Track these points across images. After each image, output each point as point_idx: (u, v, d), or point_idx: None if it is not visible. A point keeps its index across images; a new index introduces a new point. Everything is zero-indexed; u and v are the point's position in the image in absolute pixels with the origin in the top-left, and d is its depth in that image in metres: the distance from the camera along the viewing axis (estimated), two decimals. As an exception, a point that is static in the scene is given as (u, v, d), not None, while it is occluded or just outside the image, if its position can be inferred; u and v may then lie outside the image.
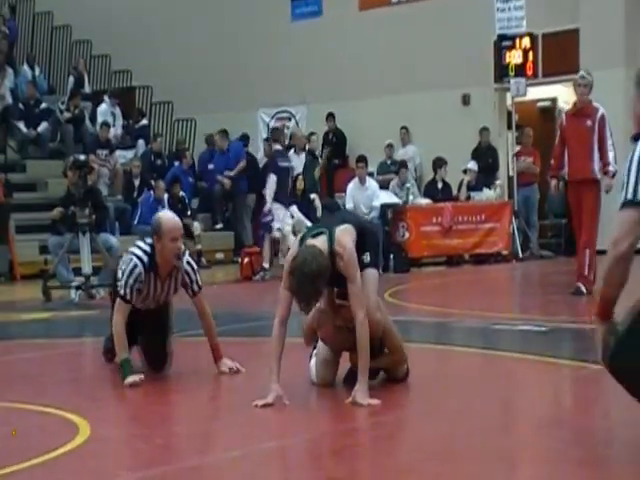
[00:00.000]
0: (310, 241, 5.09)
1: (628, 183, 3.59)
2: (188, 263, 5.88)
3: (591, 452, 3.79)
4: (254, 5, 19.39)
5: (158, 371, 5.95)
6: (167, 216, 5.85)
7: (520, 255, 14.85)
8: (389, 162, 16.95)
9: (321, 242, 5.06)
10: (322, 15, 19.01)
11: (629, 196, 3.56)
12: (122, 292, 5.71)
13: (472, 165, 15.62)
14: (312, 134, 17.25)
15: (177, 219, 5.84)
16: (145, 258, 5.72)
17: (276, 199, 13.35)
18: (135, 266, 5.71)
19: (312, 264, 4.85)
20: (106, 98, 18.37)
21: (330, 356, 5.40)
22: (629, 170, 3.62)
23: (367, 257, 5.22)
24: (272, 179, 13.30)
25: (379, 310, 5.23)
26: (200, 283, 5.99)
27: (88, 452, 4.26)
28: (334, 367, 5.45)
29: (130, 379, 5.54)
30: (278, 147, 14.15)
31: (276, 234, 13.37)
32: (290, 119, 19.21)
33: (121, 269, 5.79)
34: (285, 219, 13.35)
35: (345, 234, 5.11)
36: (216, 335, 6.05)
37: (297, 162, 16.52)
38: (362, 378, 4.99)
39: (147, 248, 5.76)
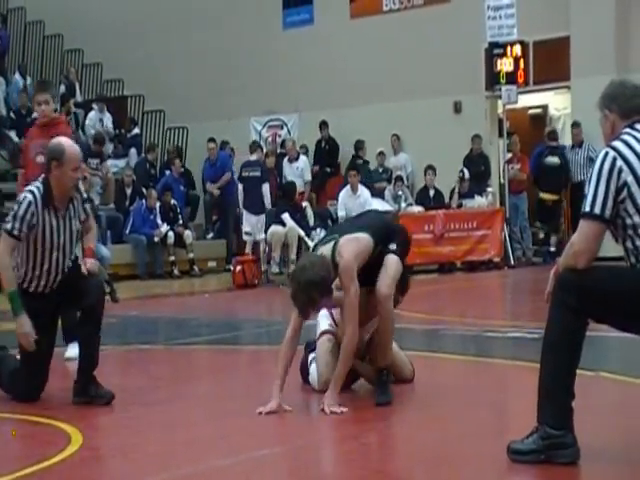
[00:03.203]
0: (320, 248, 5.12)
1: (588, 194, 3.77)
2: (82, 198, 5.72)
3: (582, 455, 3.81)
4: (246, 14, 19.41)
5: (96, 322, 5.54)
6: (69, 143, 5.56)
7: (512, 262, 14.88)
8: (381, 170, 16.98)
9: (327, 250, 5.06)
10: (314, 23, 19.04)
11: (587, 208, 3.76)
12: (9, 226, 5.34)
13: (466, 172, 15.70)
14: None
15: (78, 148, 5.57)
16: (37, 192, 5.41)
17: (244, 206, 14.66)
18: (25, 198, 5.39)
19: (309, 272, 4.83)
20: (94, 105, 18.39)
21: (332, 359, 5.37)
22: (590, 182, 3.79)
23: (393, 246, 5.18)
24: (239, 188, 14.86)
25: (390, 290, 5.09)
26: (90, 212, 5.86)
27: (80, 461, 4.25)
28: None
29: (26, 328, 5.33)
30: (252, 157, 15.12)
31: (245, 238, 14.54)
32: (282, 127, 19.23)
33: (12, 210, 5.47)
34: (256, 224, 14.37)
35: (350, 243, 5.05)
36: (94, 241, 5.94)
37: (288, 171, 16.57)
38: (333, 385, 5.01)
39: (39, 184, 5.47)
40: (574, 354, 3.80)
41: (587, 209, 3.76)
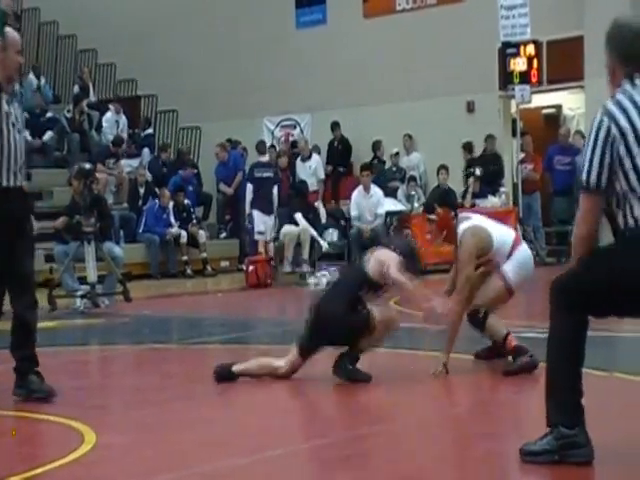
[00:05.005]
0: None
1: (584, 166, 3.75)
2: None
3: (596, 456, 3.79)
4: (259, 13, 19.40)
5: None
6: (10, 29, 5.75)
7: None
8: (394, 170, 16.96)
9: None
10: (327, 23, 19.02)
11: (584, 183, 3.75)
12: None
13: (478, 171, 15.68)
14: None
15: (17, 34, 5.76)
16: None
17: (254, 206, 14.73)
18: None
19: None
20: (111, 107, 18.46)
21: None
22: (585, 151, 3.77)
23: None
24: (249, 188, 14.96)
25: None
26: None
27: (94, 460, 4.26)
28: None
29: None
30: (262, 159, 15.37)
31: (258, 237, 14.64)
32: (295, 127, 19.23)
33: None
34: (267, 224, 14.63)
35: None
36: None
37: (301, 170, 16.58)
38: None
39: None
40: (577, 352, 3.80)
41: (584, 184, 3.75)
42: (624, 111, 3.69)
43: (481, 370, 6.27)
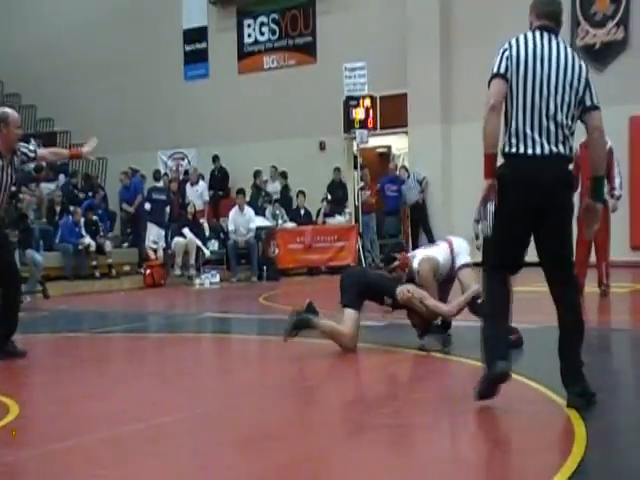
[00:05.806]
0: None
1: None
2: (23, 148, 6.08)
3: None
4: (155, 67, 19.28)
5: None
6: (11, 110, 6.08)
7: (364, 267, 15.09)
8: (263, 194, 17.01)
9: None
10: (209, 77, 19.01)
11: (494, 70, 3.94)
12: None
13: (329, 196, 15.95)
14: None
15: (17, 114, 6.07)
16: None
17: (151, 221, 14.88)
18: None
19: None
20: (32, 140, 17.88)
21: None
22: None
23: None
24: (147, 206, 15.26)
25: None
26: (33, 149, 6.26)
27: (16, 428, 4.15)
28: None
29: None
30: (157, 184, 15.64)
31: (152, 245, 14.62)
32: (184, 159, 19.14)
33: None
34: (158, 236, 14.70)
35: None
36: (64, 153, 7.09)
37: (190, 192, 16.51)
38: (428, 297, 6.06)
39: None
40: (497, 309, 3.92)
41: (491, 75, 3.92)
42: (517, 43, 3.92)
43: (328, 354, 6.38)
